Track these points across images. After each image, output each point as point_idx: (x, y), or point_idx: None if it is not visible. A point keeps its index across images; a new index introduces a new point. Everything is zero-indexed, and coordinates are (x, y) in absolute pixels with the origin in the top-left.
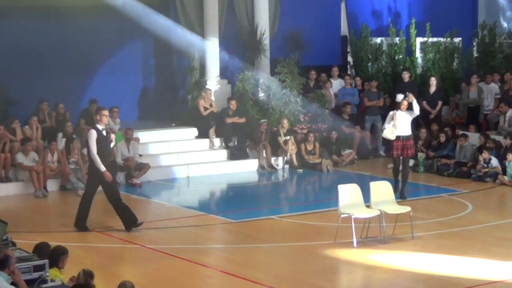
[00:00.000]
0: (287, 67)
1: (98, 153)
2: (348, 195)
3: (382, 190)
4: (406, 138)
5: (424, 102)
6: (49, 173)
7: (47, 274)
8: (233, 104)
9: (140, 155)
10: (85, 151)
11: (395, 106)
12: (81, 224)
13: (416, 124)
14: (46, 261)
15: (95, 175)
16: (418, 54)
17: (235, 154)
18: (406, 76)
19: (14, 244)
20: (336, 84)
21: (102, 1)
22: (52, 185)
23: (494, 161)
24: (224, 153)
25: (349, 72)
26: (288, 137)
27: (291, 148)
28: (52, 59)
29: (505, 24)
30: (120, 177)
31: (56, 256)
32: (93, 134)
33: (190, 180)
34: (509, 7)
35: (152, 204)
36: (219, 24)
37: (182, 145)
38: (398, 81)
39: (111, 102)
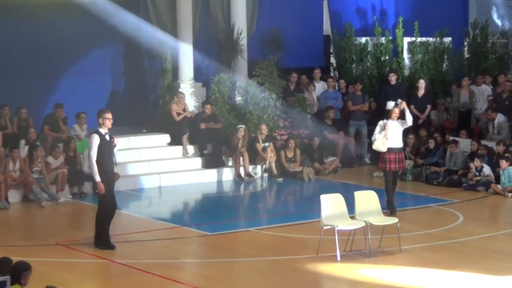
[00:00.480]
0: (265, 69)
1: (101, 159)
2: (331, 205)
3: (367, 200)
4: (399, 150)
5: (412, 106)
6: (10, 183)
7: None
8: (208, 109)
9: None
10: (49, 159)
11: (385, 113)
12: (101, 243)
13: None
14: (7, 277)
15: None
16: (405, 55)
17: (210, 162)
18: (392, 78)
19: None
20: (318, 87)
21: None
22: (14, 196)
23: (487, 169)
24: (198, 161)
25: (332, 74)
26: (267, 144)
27: (270, 156)
28: (14, 61)
29: (499, 22)
30: (87, 187)
31: (19, 272)
32: (96, 139)
33: (162, 190)
34: (503, 3)
35: (122, 216)
36: (193, 23)
37: (154, 152)
38: (384, 84)
39: (78, 107)
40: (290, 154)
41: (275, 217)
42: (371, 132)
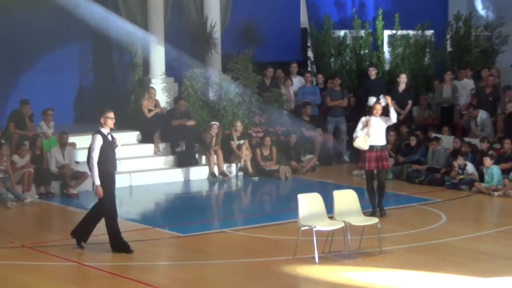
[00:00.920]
0: (240, 63)
1: (103, 160)
2: (309, 205)
3: (346, 199)
4: (381, 148)
5: (393, 102)
6: None
7: None
8: (181, 105)
9: (77, 162)
10: (15, 157)
11: (367, 110)
12: (118, 245)
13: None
14: None
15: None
16: (385, 48)
17: (183, 160)
18: (372, 72)
19: None
20: (296, 82)
21: None
22: None
23: (470, 167)
24: (170, 159)
25: (309, 69)
26: (242, 141)
27: (246, 154)
28: None
29: (483, 13)
30: (55, 187)
31: None
32: (99, 140)
33: (133, 190)
34: None
35: None
36: (165, 15)
37: (124, 150)
38: (363, 79)
39: (45, 103)
40: (266, 152)
41: (251, 217)
42: (350, 129)
